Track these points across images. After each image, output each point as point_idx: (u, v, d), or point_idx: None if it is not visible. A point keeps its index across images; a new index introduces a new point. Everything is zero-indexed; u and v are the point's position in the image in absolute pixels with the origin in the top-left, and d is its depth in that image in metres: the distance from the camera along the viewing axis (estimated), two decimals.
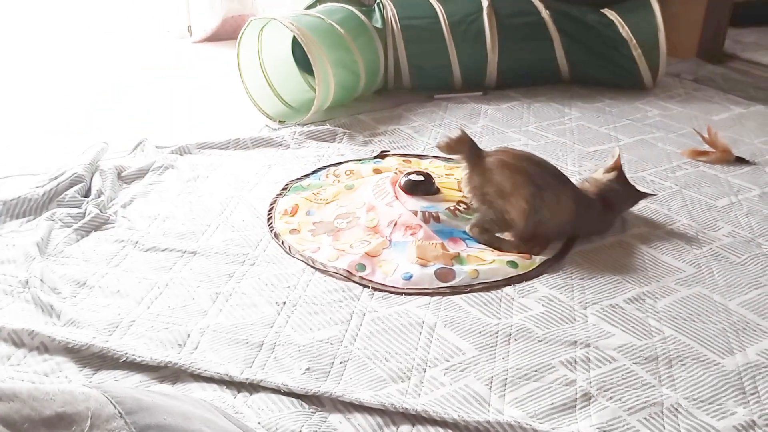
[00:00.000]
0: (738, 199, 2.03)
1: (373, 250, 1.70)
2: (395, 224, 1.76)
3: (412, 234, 1.73)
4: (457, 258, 1.68)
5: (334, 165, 2.18)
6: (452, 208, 1.84)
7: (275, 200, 1.97)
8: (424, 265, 1.64)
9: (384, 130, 2.48)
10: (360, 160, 2.23)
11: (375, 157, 2.25)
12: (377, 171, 2.08)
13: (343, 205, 1.90)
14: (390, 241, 1.73)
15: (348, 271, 1.63)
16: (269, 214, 1.90)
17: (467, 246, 1.74)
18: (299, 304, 1.53)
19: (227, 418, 1.08)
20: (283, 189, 2.03)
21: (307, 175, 2.12)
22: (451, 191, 1.90)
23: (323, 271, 1.65)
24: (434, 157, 2.26)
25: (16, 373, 1.30)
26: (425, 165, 2.16)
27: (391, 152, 2.29)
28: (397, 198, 1.85)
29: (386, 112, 2.64)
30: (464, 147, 1.75)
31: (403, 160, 2.21)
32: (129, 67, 3.25)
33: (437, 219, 1.79)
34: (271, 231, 1.82)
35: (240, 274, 1.64)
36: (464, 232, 1.77)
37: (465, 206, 1.84)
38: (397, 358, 1.37)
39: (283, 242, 1.76)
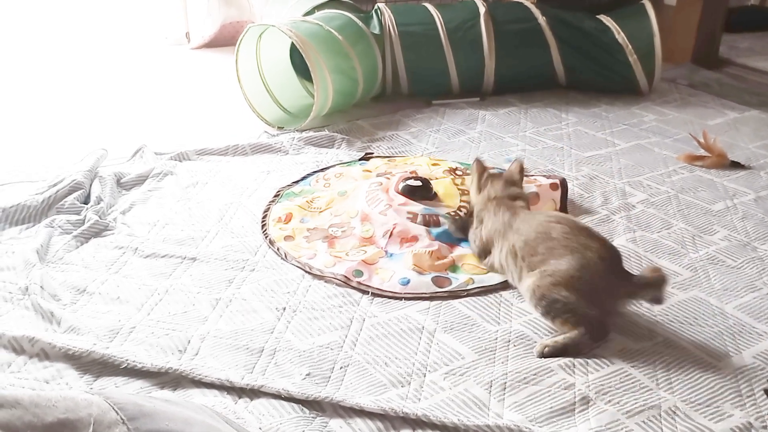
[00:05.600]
0: (734, 203, 2.04)
1: (370, 258, 1.70)
2: (390, 234, 1.77)
3: (408, 246, 1.74)
4: (452, 267, 1.69)
5: (322, 170, 2.19)
6: (452, 213, 1.85)
7: (268, 207, 1.97)
8: (420, 273, 1.65)
9: (382, 136, 2.49)
10: (346, 163, 2.24)
11: (360, 159, 2.26)
12: (367, 171, 2.10)
13: (337, 214, 1.90)
14: (386, 251, 1.74)
15: (345, 277, 1.64)
16: (263, 221, 1.90)
17: (461, 247, 1.76)
18: (299, 310, 1.54)
19: (229, 424, 1.09)
20: (275, 196, 2.03)
21: (296, 182, 2.12)
22: (449, 196, 1.92)
23: (320, 277, 1.66)
24: (417, 156, 2.29)
25: (16, 380, 1.31)
26: (410, 162, 2.20)
27: (375, 154, 2.31)
28: (390, 206, 1.85)
29: (384, 118, 2.65)
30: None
31: (388, 160, 2.24)
32: (127, 73, 3.26)
33: (437, 223, 1.81)
34: (266, 238, 1.82)
35: (240, 279, 1.64)
36: (458, 238, 1.79)
37: (465, 211, 1.86)
38: (397, 363, 1.38)
39: (278, 249, 1.76)
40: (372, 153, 2.32)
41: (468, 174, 1.98)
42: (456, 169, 2.09)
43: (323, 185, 2.08)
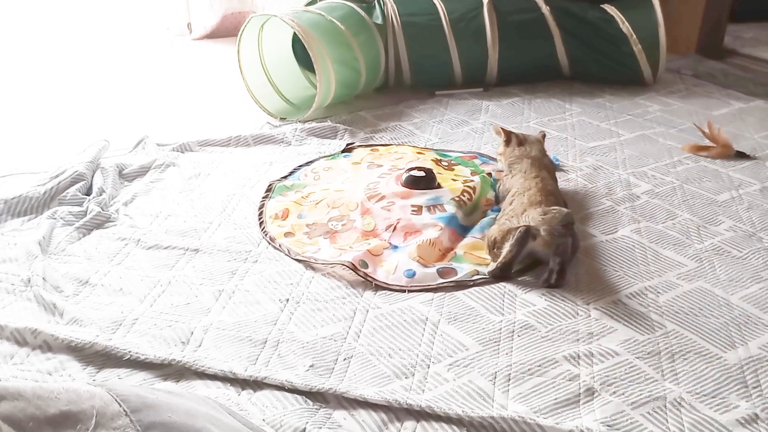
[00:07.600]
0: (739, 193, 2.03)
1: (375, 249, 1.70)
2: (394, 228, 1.76)
3: (412, 238, 1.73)
4: (455, 257, 1.68)
5: (308, 164, 2.17)
6: (457, 198, 1.85)
7: (263, 203, 1.93)
8: (425, 266, 1.64)
9: (385, 127, 2.48)
10: (329, 156, 2.23)
11: (343, 151, 2.25)
12: (356, 164, 2.10)
13: (335, 206, 1.89)
14: (390, 243, 1.73)
15: (353, 263, 1.63)
16: (260, 217, 1.87)
17: (465, 236, 1.76)
18: (302, 301, 1.53)
19: (232, 415, 1.08)
20: (267, 190, 2.00)
21: (286, 177, 2.09)
22: (452, 184, 1.91)
23: (327, 263, 1.64)
24: (399, 144, 2.30)
25: (19, 372, 1.31)
26: (393, 150, 2.20)
27: (357, 144, 2.30)
28: (394, 203, 1.84)
29: (387, 109, 2.64)
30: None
31: (371, 150, 2.23)
32: (129, 64, 3.25)
33: (443, 210, 1.81)
34: (265, 235, 1.79)
35: (243, 271, 1.64)
36: (463, 226, 1.79)
37: (469, 196, 1.86)
38: (400, 354, 1.38)
39: (280, 245, 1.74)
40: (353, 143, 2.31)
41: (453, 165, 2.07)
42: (440, 160, 2.10)
43: (313, 178, 2.07)
